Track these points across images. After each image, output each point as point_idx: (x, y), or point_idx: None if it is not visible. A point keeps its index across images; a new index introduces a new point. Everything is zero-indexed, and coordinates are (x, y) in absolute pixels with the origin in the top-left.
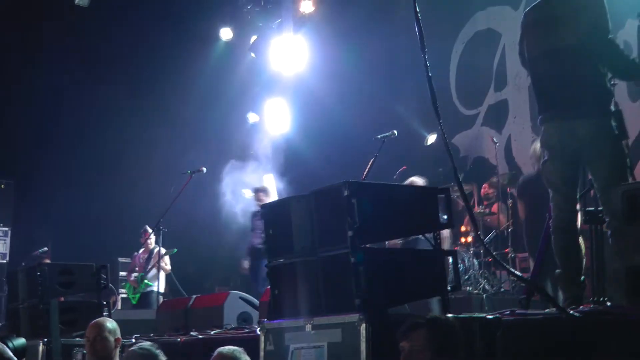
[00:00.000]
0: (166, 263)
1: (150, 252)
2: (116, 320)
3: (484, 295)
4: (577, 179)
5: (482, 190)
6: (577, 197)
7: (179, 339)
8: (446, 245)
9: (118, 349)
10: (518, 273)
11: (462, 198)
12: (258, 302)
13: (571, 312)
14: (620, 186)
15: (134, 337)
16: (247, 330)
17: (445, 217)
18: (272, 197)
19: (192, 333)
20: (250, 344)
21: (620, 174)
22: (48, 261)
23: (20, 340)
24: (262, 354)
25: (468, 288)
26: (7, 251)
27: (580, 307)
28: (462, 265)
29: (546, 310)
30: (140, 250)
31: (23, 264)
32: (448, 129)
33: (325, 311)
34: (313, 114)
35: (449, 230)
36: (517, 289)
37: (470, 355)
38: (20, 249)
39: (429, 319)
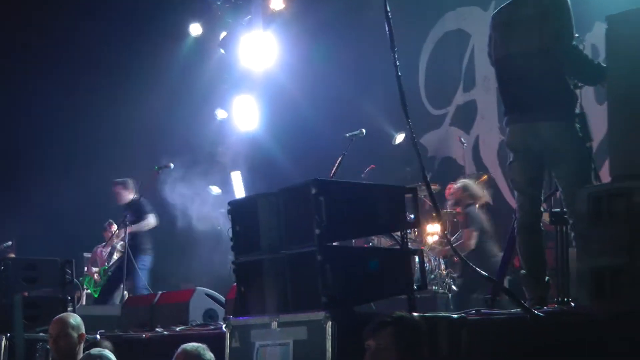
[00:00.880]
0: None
1: (113, 247)
2: (80, 316)
3: (450, 295)
4: (542, 180)
5: (447, 191)
6: (542, 198)
7: (143, 335)
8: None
9: (82, 345)
10: (484, 273)
11: (430, 198)
12: (224, 299)
13: (536, 312)
14: (585, 188)
15: (98, 333)
16: (212, 327)
17: (412, 216)
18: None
19: (157, 329)
20: (215, 341)
21: (585, 176)
22: (13, 256)
23: None
24: (227, 351)
25: (434, 287)
26: None
27: (545, 307)
28: (428, 264)
29: (511, 310)
30: (103, 244)
31: None
32: (416, 129)
33: (292, 309)
34: (282, 111)
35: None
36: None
37: (435, 354)
38: None
39: (395, 317)
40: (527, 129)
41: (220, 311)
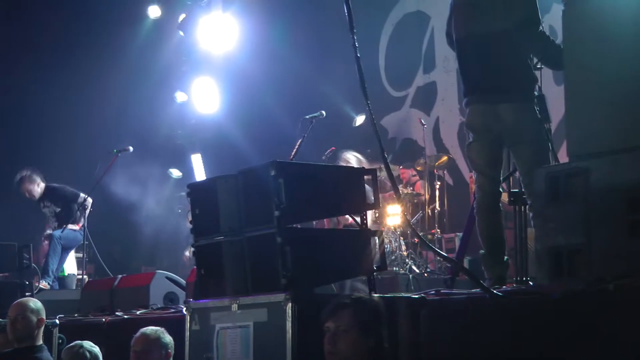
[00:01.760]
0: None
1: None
2: (40, 301)
3: (411, 276)
4: (501, 161)
5: (402, 175)
6: (501, 178)
7: (103, 319)
8: None
9: (41, 330)
10: (443, 253)
11: (390, 179)
12: (185, 282)
13: (495, 291)
14: (543, 168)
15: (57, 317)
16: (173, 310)
17: (372, 198)
18: (40, 187)
19: (117, 313)
20: (176, 324)
21: (543, 157)
22: None
23: None
24: (187, 333)
25: (395, 268)
26: None
27: (504, 286)
28: (388, 245)
29: (471, 290)
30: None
31: None
32: (377, 111)
33: (252, 291)
34: (242, 93)
35: None
36: (443, 270)
37: (394, 334)
38: None
39: (354, 298)
40: (488, 110)
41: (181, 294)
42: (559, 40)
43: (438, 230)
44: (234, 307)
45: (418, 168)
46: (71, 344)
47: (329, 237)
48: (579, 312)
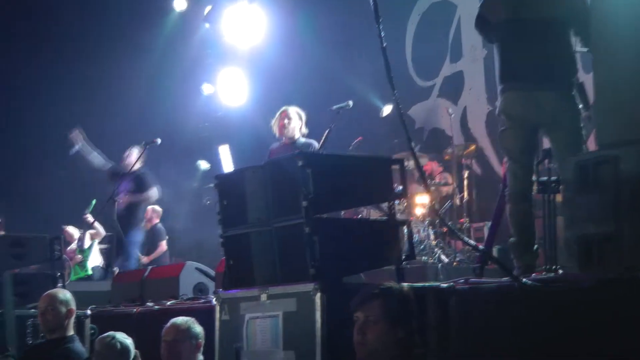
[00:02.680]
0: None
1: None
2: (71, 292)
3: (439, 265)
4: (536, 149)
5: (426, 167)
6: (534, 166)
7: (134, 310)
8: None
9: (72, 320)
10: (472, 242)
11: (417, 169)
12: (214, 272)
13: (524, 280)
14: (573, 156)
15: (89, 308)
16: (202, 301)
17: (400, 187)
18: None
19: (148, 304)
20: (205, 314)
21: (579, 146)
22: (2, 233)
23: None
24: (217, 324)
25: (423, 258)
26: None
27: (533, 275)
28: (417, 235)
29: (500, 279)
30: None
31: None
32: (404, 101)
33: (280, 281)
34: (268, 84)
35: None
36: (472, 259)
37: (423, 324)
38: None
39: (383, 288)
40: (527, 97)
41: (210, 285)
42: None
43: (467, 219)
44: (263, 297)
45: (446, 157)
46: (104, 335)
47: (357, 226)
48: (610, 301)
